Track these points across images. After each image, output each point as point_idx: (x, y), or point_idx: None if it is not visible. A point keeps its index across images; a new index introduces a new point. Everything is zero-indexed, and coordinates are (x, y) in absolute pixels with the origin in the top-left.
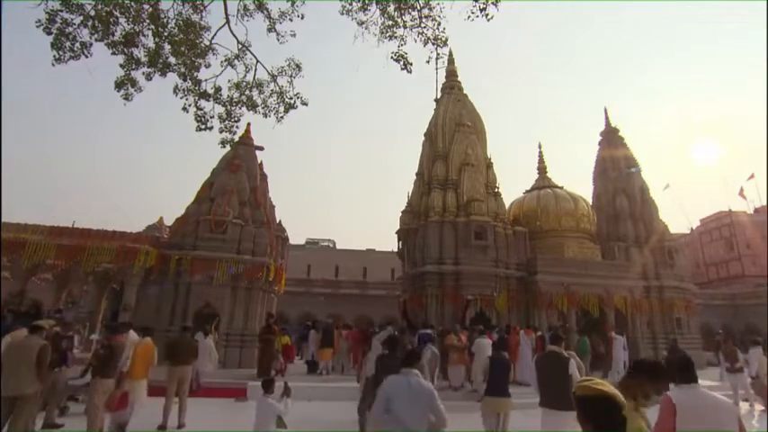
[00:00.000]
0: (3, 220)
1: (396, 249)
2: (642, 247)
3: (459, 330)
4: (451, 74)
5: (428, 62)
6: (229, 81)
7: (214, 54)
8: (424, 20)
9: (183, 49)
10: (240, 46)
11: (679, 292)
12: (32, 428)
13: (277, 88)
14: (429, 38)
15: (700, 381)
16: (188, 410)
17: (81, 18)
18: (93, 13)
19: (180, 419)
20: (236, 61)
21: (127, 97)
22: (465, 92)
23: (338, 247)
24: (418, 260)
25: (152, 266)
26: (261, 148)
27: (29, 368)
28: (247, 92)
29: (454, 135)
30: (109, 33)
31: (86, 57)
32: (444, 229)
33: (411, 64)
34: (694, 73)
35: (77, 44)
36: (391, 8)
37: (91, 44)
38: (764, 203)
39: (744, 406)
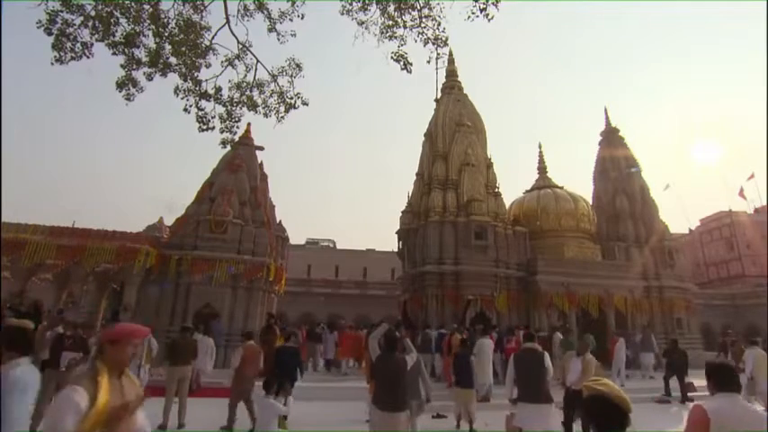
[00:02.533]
0: (3, 220)
1: (396, 249)
2: (642, 247)
3: (461, 331)
4: (451, 74)
5: (428, 62)
6: (230, 81)
7: (214, 54)
8: (424, 20)
9: (183, 49)
10: (240, 46)
11: (679, 292)
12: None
13: (277, 88)
14: (429, 38)
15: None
16: (188, 410)
17: (81, 18)
18: (93, 13)
19: (180, 419)
20: (236, 61)
21: (128, 97)
22: (465, 92)
23: (338, 247)
24: (418, 260)
25: (152, 266)
26: (261, 148)
27: None
28: (248, 92)
29: (454, 135)
30: (109, 34)
31: (87, 57)
32: (444, 229)
33: (411, 64)
34: (694, 73)
35: (78, 45)
36: (391, 8)
37: (91, 44)
38: (764, 203)
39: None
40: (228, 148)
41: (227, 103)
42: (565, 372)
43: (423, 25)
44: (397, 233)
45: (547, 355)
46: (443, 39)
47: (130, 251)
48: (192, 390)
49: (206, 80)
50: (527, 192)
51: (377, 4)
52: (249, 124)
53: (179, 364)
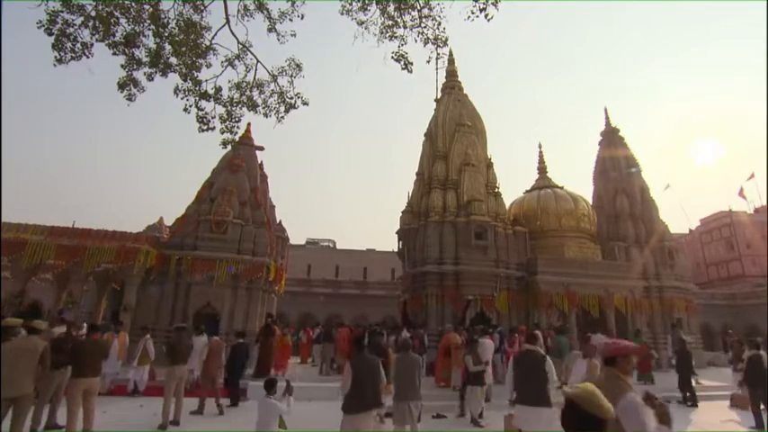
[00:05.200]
0: (3, 220)
1: (396, 249)
2: (642, 247)
3: (460, 331)
4: (451, 74)
5: (428, 62)
6: (230, 81)
7: (215, 54)
8: (424, 20)
9: (183, 49)
10: (240, 46)
11: (679, 292)
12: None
13: (277, 88)
14: (429, 38)
15: (703, 381)
16: (188, 410)
17: (82, 19)
18: (93, 13)
19: (175, 416)
20: (236, 61)
21: (130, 98)
22: (465, 92)
23: (338, 247)
24: (418, 260)
25: (152, 266)
26: (261, 148)
27: (30, 368)
28: (248, 92)
29: (454, 135)
30: (110, 34)
31: (87, 57)
32: (444, 229)
33: (411, 64)
34: (694, 73)
35: (78, 45)
36: (391, 8)
37: (92, 45)
38: (764, 203)
39: None
40: (229, 148)
41: (228, 104)
42: (568, 373)
43: (423, 25)
44: (397, 233)
45: (548, 358)
46: (443, 39)
47: (130, 251)
48: (193, 389)
49: (206, 80)
50: (527, 192)
51: (377, 4)
52: (249, 124)
53: (179, 363)
